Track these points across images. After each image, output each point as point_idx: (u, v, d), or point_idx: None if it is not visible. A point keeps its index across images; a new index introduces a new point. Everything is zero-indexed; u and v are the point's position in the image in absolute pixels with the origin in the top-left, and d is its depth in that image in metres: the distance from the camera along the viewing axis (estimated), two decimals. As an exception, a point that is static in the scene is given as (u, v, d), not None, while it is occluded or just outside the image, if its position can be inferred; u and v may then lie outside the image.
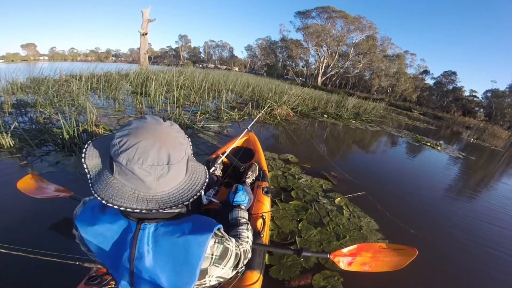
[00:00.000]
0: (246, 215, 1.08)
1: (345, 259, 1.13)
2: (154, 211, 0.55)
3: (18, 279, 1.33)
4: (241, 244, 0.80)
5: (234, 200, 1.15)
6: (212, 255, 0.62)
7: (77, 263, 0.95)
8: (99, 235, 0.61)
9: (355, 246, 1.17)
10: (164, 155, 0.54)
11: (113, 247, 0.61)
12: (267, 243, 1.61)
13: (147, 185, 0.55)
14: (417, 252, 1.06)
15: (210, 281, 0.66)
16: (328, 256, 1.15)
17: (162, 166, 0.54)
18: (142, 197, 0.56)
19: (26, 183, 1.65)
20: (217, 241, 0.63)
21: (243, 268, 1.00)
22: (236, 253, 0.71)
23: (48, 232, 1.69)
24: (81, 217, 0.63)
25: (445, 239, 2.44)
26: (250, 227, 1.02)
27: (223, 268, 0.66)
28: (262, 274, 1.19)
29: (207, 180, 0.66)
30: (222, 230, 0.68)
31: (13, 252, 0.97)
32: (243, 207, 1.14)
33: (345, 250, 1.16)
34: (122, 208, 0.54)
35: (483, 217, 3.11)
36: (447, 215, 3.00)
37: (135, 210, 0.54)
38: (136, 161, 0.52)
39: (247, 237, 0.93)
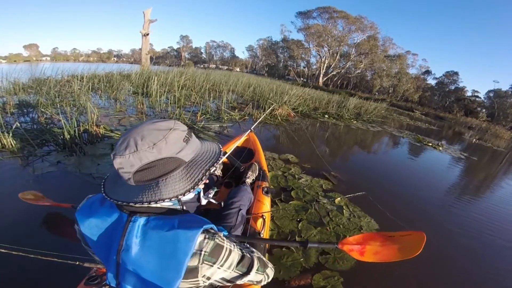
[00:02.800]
0: None
1: (355, 247, 1.10)
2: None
3: (18, 279, 1.32)
4: (253, 252, 0.77)
5: None
6: (201, 251, 0.58)
7: (77, 263, 0.95)
8: (95, 227, 0.63)
9: (360, 235, 1.14)
10: (121, 145, 0.59)
11: (104, 238, 0.62)
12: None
13: None
14: (424, 236, 1.01)
15: (205, 282, 0.62)
16: (336, 246, 1.13)
17: (113, 154, 0.59)
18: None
19: (27, 196, 1.70)
20: (207, 237, 0.60)
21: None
22: (243, 256, 0.68)
23: (49, 232, 1.70)
24: (81, 210, 0.66)
25: (447, 239, 2.43)
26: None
27: (220, 268, 0.62)
28: None
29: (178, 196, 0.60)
30: (215, 229, 0.65)
31: (13, 252, 0.97)
32: None
33: (350, 238, 1.13)
34: (102, 186, 0.64)
35: (486, 217, 3.09)
36: (448, 216, 2.99)
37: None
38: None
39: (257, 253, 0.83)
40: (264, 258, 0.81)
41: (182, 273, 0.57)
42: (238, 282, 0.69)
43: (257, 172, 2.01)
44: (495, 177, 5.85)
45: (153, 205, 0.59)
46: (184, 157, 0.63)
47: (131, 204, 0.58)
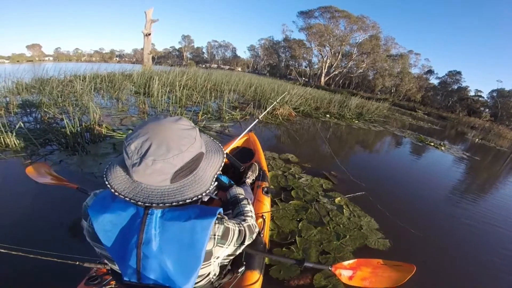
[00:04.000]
0: (242, 191, 1.08)
1: (346, 272, 1.16)
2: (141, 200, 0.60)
3: (18, 279, 1.32)
4: (244, 220, 0.84)
5: (228, 181, 1.14)
6: (215, 235, 0.65)
7: (77, 263, 0.95)
8: (109, 223, 0.62)
9: (355, 260, 1.19)
10: (145, 147, 0.57)
11: (121, 234, 0.62)
12: (267, 243, 1.61)
13: (128, 167, 0.61)
14: (415, 269, 1.07)
15: (214, 261, 0.69)
16: (329, 268, 1.17)
17: (138, 155, 0.57)
18: (127, 180, 0.63)
19: (35, 170, 1.66)
20: (217, 222, 0.65)
21: (243, 268, 1.01)
22: (239, 230, 0.75)
23: (49, 231, 1.71)
24: (93, 206, 0.65)
25: (447, 240, 2.42)
26: (250, 201, 1.03)
27: (227, 247, 0.70)
28: (262, 274, 1.19)
29: (201, 196, 0.65)
30: (222, 213, 0.70)
31: (13, 252, 0.96)
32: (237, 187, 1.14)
33: (345, 263, 1.18)
34: (107, 184, 0.61)
35: (488, 218, 3.07)
36: (449, 216, 2.97)
37: (117, 191, 0.61)
38: (126, 140, 0.60)
39: (250, 211, 0.93)
40: (252, 223, 0.86)
41: (202, 259, 0.61)
42: (237, 252, 0.78)
43: (257, 172, 2.01)
44: (498, 176, 5.82)
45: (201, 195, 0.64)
46: (203, 149, 0.70)
47: (181, 202, 0.60)
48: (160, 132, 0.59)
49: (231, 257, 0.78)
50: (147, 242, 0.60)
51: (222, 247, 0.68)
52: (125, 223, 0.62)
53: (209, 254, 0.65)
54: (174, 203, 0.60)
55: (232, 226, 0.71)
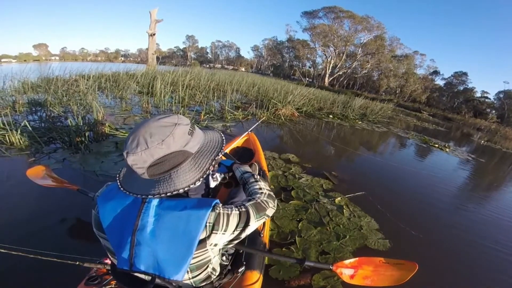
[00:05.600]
0: (247, 168, 1.06)
1: (347, 271, 1.15)
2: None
3: (18, 279, 1.33)
4: (250, 200, 0.80)
5: (229, 165, 1.14)
6: (206, 223, 0.65)
7: (77, 263, 0.96)
8: (112, 210, 0.67)
9: (356, 259, 1.18)
10: (126, 141, 0.64)
11: (120, 220, 0.66)
12: (267, 243, 1.61)
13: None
14: (417, 267, 1.05)
15: (212, 249, 0.68)
16: (330, 267, 1.16)
17: (125, 152, 0.62)
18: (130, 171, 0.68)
19: (35, 172, 1.69)
20: (211, 211, 0.66)
21: (243, 268, 1.00)
22: (240, 213, 0.71)
23: (49, 232, 1.71)
24: (102, 196, 0.70)
25: (448, 241, 2.40)
26: (258, 177, 0.97)
27: (224, 233, 0.67)
28: (262, 274, 1.19)
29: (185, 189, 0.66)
30: (218, 202, 0.69)
31: (13, 252, 0.98)
32: (239, 164, 1.12)
33: (346, 262, 1.18)
34: (117, 176, 0.70)
35: (490, 220, 3.04)
36: (451, 217, 2.94)
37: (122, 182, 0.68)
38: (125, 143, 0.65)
39: (259, 188, 0.89)
40: (261, 200, 0.81)
41: (194, 249, 0.62)
42: (243, 236, 0.73)
43: (257, 172, 2.01)
44: (504, 179, 5.73)
45: (168, 194, 0.64)
46: (191, 149, 0.68)
47: (149, 196, 0.63)
48: (139, 129, 0.63)
49: (235, 241, 0.74)
50: (142, 228, 0.62)
51: (217, 233, 0.66)
52: (125, 210, 0.66)
53: (202, 242, 0.65)
54: (156, 196, 0.63)
55: (226, 211, 0.69)
